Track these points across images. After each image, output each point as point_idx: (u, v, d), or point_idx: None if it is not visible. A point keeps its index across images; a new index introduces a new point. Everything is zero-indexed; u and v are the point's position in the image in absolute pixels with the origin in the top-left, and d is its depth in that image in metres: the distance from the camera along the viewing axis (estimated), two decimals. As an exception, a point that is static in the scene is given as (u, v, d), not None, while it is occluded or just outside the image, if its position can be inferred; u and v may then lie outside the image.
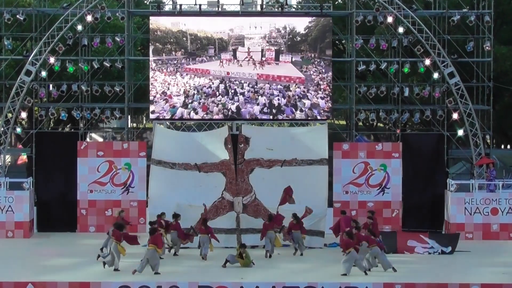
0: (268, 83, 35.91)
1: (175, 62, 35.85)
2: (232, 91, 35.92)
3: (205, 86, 35.97)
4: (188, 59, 35.97)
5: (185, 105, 35.88)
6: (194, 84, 35.90)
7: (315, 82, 35.94)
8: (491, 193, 34.03)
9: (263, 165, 32.92)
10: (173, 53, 35.95)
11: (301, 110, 35.82)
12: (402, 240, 30.71)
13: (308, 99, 35.85)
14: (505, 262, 28.91)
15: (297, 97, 35.87)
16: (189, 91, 35.85)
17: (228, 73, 35.96)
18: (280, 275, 26.46)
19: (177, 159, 32.97)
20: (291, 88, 35.86)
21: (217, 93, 35.95)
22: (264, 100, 35.85)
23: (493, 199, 33.80)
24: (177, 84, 35.82)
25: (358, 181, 35.35)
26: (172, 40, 35.94)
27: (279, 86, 35.89)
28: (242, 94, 35.95)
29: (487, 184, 34.42)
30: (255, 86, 35.91)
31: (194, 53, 36.07)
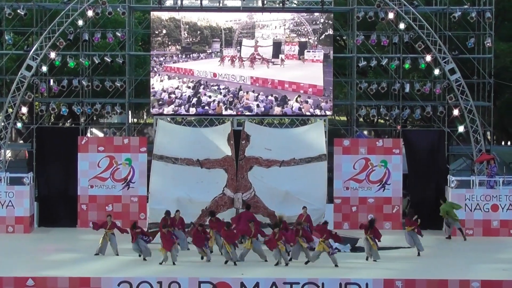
0: (253, 91, 32.44)
1: (162, 59, 34.67)
2: (195, 100, 32.89)
3: (166, 91, 34.45)
4: (179, 56, 34.73)
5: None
6: (155, 89, 34.82)
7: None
8: (492, 189, 34.05)
9: (261, 164, 32.73)
10: (166, 48, 35.02)
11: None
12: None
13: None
14: (506, 259, 28.94)
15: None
16: None
17: (215, 74, 32.95)
18: (280, 271, 26.45)
19: (179, 154, 32.81)
20: (289, 102, 32.94)
21: (176, 101, 33.59)
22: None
23: (493, 195, 33.81)
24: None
25: (359, 177, 35.35)
26: (163, 31, 34.11)
27: (270, 97, 32.70)
28: (207, 105, 32.96)
29: (487, 181, 34.43)
30: (234, 95, 32.75)
31: (189, 48, 35.01)
